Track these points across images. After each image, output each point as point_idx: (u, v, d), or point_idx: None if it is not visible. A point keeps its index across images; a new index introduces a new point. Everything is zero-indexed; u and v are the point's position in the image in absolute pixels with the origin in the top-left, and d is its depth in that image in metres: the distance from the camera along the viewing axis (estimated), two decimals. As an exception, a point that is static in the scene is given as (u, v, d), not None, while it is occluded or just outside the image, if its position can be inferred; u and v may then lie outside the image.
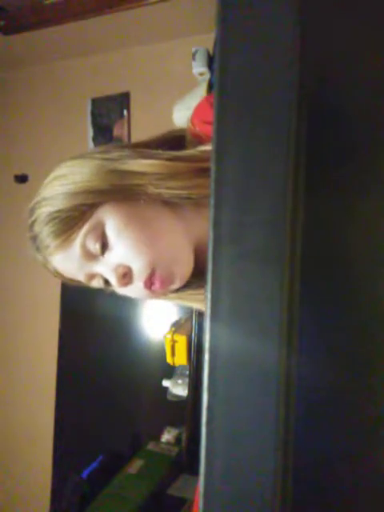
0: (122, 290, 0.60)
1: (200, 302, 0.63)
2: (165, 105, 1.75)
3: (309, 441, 0.24)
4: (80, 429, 1.94)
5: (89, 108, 2.23)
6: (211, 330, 0.23)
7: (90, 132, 2.23)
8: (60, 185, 0.56)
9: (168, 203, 0.58)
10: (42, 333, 2.31)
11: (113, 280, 0.57)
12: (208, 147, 0.60)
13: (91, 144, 2.21)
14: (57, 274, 0.62)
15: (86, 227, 0.55)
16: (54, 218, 0.55)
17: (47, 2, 1.84)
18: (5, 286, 2.49)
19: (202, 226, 0.60)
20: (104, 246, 0.56)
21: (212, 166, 0.23)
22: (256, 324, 0.23)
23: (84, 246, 0.56)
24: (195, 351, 1.40)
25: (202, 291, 0.62)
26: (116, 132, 2.19)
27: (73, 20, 1.90)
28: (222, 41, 0.23)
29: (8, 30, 1.99)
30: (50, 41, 2.10)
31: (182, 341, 1.40)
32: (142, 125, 2.11)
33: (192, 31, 1.95)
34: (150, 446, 1.62)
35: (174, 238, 0.58)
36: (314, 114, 0.24)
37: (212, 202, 0.23)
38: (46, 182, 0.58)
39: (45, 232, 0.56)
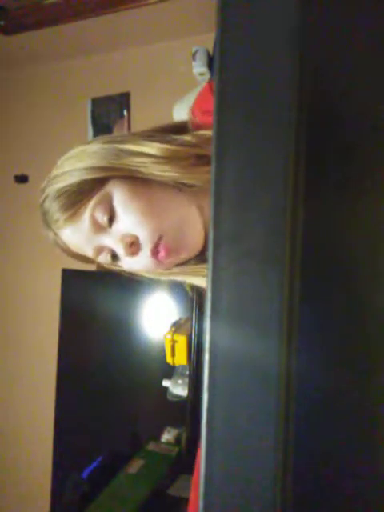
0: (129, 263, 0.62)
1: (203, 276, 0.64)
2: (165, 105, 1.75)
3: (309, 440, 0.24)
4: (80, 429, 1.94)
5: (89, 108, 2.23)
6: (211, 330, 0.23)
7: (90, 132, 2.23)
8: (69, 164, 0.60)
9: (169, 184, 0.60)
10: (42, 333, 2.31)
11: (120, 250, 0.59)
12: (203, 132, 0.62)
13: (91, 144, 2.21)
14: (66, 249, 0.64)
15: (94, 200, 0.58)
16: (63, 193, 0.58)
17: (47, 2, 1.84)
18: (5, 285, 2.49)
19: (203, 208, 0.61)
20: (111, 218, 0.59)
21: (212, 165, 0.23)
22: (256, 324, 0.23)
23: (92, 218, 0.58)
24: (195, 351, 1.40)
25: (204, 266, 0.63)
26: (116, 132, 2.19)
27: (73, 20, 1.90)
28: (222, 41, 0.23)
29: (8, 30, 1.99)
30: (50, 41, 2.10)
31: (182, 341, 1.40)
32: (142, 125, 2.10)
33: (192, 31, 1.95)
34: (150, 446, 1.62)
35: (182, 210, 0.60)
36: (314, 114, 0.24)
37: (212, 201, 0.23)
38: (57, 164, 0.62)
39: (54, 207, 0.59)
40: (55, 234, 0.62)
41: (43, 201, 0.61)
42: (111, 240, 0.60)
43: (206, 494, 0.23)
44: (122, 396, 1.85)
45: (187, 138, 0.61)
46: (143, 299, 1.83)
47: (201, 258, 0.64)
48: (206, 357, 0.23)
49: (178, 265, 0.64)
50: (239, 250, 0.23)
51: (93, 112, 2.23)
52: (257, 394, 0.22)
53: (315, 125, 0.24)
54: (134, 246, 0.59)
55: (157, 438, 1.65)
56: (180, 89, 1.76)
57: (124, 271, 0.68)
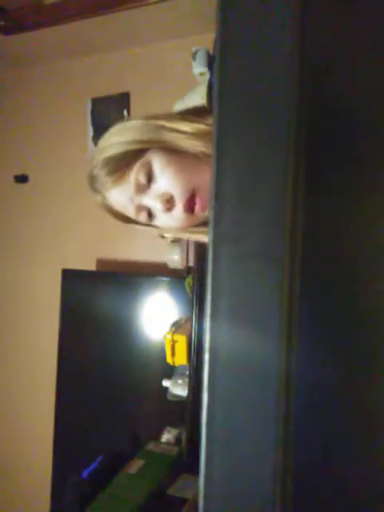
0: (164, 220, 0.74)
1: None
2: (165, 105, 1.74)
3: (308, 440, 0.24)
4: (80, 429, 1.94)
5: (89, 108, 2.23)
6: (211, 330, 0.23)
7: (90, 132, 2.23)
8: (115, 137, 0.73)
9: (197, 155, 0.71)
10: (42, 333, 2.31)
11: (158, 206, 0.71)
12: None
13: (91, 144, 2.21)
14: (111, 209, 0.77)
15: (137, 166, 0.71)
16: (109, 161, 0.72)
17: (47, 2, 1.84)
18: (5, 285, 2.49)
19: None
20: (151, 180, 0.71)
21: (212, 165, 0.23)
22: (256, 324, 0.23)
23: (136, 180, 0.71)
24: (195, 351, 1.40)
25: None
26: (116, 132, 2.18)
27: (73, 20, 1.90)
28: (222, 41, 0.23)
29: (8, 30, 1.99)
30: (50, 41, 2.10)
31: (182, 341, 1.40)
32: (142, 125, 2.10)
33: (192, 31, 1.95)
34: (150, 446, 1.62)
35: (209, 172, 0.70)
36: (314, 114, 0.24)
37: (212, 201, 0.23)
38: (104, 137, 0.76)
39: (103, 173, 0.72)
40: (103, 196, 0.74)
41: (92, 169, 0.74)
42: (150, 199, 0.72)
43: (206, 494, 0.23)
44: (122, 396, 1.85)
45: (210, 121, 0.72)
46: (143, 299, 1.83)
47: None
48: (206, 357, 0.23)
49: (201, 224, 0.75)
50: (239, 249, 0.23)
51: (93, 112, 2.23)
52: (257, 394, 0.22)
53: (315, 125, 0.24)
54: (169, 202, 0.70)
55: (157, 438, 1.65)
56: (180, 89, 1.76)
57: (156, 228, 0.79)
